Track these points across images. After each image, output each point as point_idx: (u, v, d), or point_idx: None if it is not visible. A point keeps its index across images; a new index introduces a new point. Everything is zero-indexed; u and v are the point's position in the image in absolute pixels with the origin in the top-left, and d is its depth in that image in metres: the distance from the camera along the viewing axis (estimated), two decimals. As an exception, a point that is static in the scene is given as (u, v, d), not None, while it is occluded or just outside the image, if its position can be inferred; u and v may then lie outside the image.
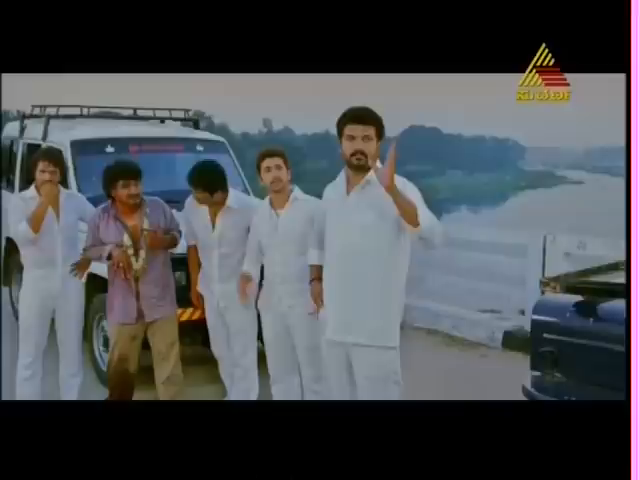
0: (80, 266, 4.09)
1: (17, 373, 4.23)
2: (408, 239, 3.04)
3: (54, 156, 4.23)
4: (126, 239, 3.91)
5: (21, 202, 4.15)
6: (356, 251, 3.03)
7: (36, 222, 3.98)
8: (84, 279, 4.29)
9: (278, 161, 3.75)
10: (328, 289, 3.20)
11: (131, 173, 3.89)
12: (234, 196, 4.15)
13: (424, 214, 2.88)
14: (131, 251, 3.90)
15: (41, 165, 4.08)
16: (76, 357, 4.36)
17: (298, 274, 3.69)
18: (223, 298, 4.17)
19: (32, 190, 4.16)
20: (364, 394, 3.08)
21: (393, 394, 3.07)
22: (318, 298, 3.35)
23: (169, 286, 4.14)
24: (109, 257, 3.89)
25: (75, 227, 4.28)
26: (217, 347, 4.43)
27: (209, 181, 4.03)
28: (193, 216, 4.22)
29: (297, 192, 3.81)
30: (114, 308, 4.03)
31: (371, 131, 2.99)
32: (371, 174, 2.97)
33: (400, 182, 2.90)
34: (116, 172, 3.90)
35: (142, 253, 3.92)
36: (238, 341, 4.24)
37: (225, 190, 4.09)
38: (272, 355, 3.93)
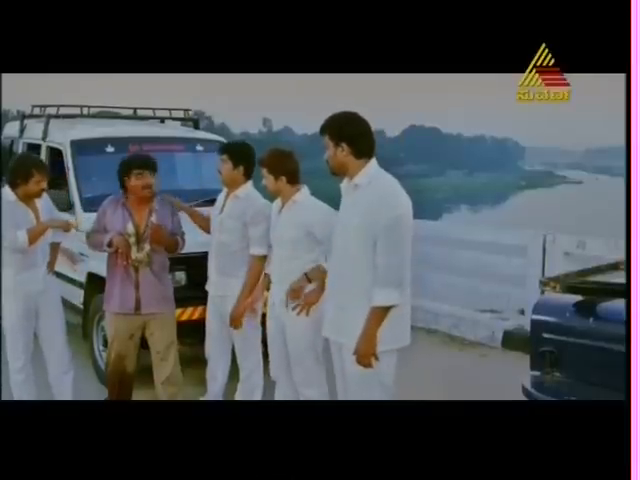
0: (50, 263, 4.23)
1: (10, 378, 4.19)
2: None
3: (45, 167, 4.19)
4: (129, 227, 3.93)
5: (7, 206, 4.00)
6: (344, 253, 3.05)
7: (35, 238, 3.99)
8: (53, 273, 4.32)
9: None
10: (327, 287, 3.27)
11: (145, 164, 3.95)
12: (246, 188, 4.10)
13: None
14: (133, 239, 3.91)
15: (37, 177, 4.01)
16: (65, 354, 4.32)
17: (289, 277, 3.69)
18: (218, 288, 4.16)
19: (10, 193, 4.04)
20: (349, 393, 3.09)
21: (377, 395, 3.00)
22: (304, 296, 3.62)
23: (167, 286, 4.14)
24: (110, 244, 3.90)
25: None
26: (208, 343, 4.35)
27: (237, 148, 4.19)
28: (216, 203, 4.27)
29: (299, 194, 3.72)
30: (112, 296, 4.03)
31: (326, 139, 3.08)
32: (359, 177, 3.01)
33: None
34: (131, 162, 3.96)
35: (145, 247, 3.93)
36: (239, 343, 4.21)
37: (249, 170, 4.09)
38: (271, 354, 3.94)
